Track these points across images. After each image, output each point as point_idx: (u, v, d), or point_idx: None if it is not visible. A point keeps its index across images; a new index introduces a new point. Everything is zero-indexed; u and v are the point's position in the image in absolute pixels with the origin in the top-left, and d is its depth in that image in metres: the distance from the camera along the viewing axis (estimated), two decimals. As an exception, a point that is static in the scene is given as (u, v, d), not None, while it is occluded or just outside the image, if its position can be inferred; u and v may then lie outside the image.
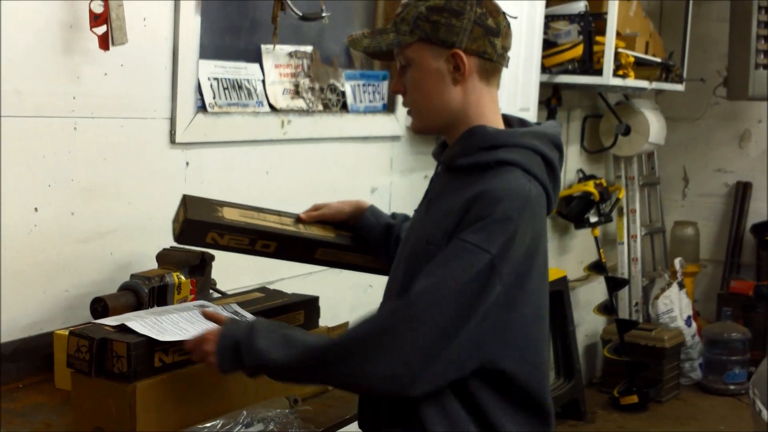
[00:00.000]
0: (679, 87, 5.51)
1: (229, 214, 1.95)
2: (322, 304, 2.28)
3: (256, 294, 2.25)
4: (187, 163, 2.65)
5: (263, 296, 2.23)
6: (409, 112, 1.84)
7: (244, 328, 1.76)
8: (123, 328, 1.84)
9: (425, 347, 1.61)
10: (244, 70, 2.91)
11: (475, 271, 1.61)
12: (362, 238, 2.18)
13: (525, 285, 1.68)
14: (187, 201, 2.00)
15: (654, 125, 5.50)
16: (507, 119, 1.85)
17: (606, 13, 4.49)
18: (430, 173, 1.93)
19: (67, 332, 1.94)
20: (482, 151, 1.73)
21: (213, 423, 1.84)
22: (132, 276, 2.29)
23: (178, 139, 2.59)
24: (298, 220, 2.16)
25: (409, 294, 1.65)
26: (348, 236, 2.18)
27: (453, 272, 1.62)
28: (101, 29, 2.21)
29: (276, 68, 3.02)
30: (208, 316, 1.93)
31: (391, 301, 1.75)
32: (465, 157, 1.74)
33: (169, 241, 2.54)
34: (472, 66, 1.74)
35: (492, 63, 1.76)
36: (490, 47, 1.74)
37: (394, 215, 2.19)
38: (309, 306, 2.26)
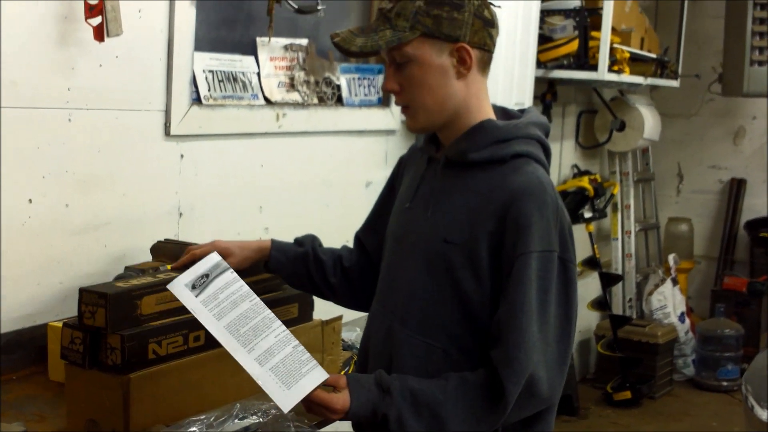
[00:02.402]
0: (674, 83, 5.53)
1: (147, 306, 1.88)
2: (315, 297, 2.27)
3: (250, 287, 2.24)
4: (182, 156, 2.65)
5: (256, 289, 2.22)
6: (404, 111, 1.79)
7: (385, 403, 1.64)
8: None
9: (560, 360, 1.68)
10: (240, 63, 2.90)
11: (555, 273, 1.66)
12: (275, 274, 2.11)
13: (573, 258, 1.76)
14: (109, 302, 1.83)
15: (649, 121, 5.51)
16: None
17: (601, 9, 4.49)
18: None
19: (61, 324, 1.94)
20: (495, 145, 1.74)
21: (207, 415, 1.84)
22: (126, 268, 2.29)
23: (172, 132, 2.58)
24: None
25: (515, 326, 1.63)
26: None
27: (542, 286, 1.65)
28: (96, 20, 2.21)
29: (271, 61, 3.02)
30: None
31: (497, 347, 1.66)
32: (478, 151, 1.74)
33: (163, 234, 2.55)
34: (474, 59, 1.73)
35: (489, 54, 1.76)
36: (488, 39, 1.74)
37: (299, 242, 2.08)
38: (302, 299, 2.26)
